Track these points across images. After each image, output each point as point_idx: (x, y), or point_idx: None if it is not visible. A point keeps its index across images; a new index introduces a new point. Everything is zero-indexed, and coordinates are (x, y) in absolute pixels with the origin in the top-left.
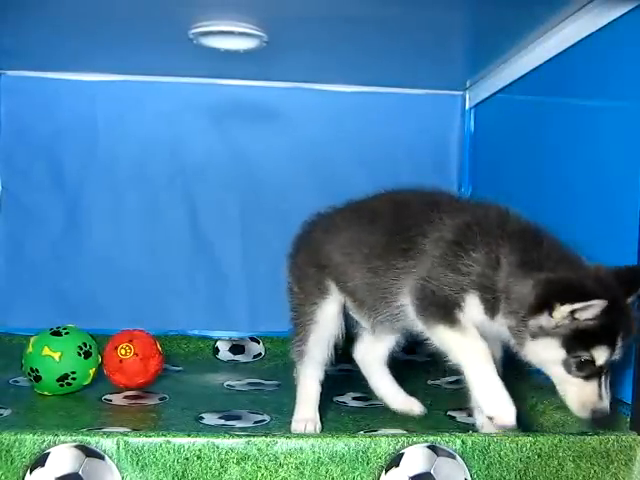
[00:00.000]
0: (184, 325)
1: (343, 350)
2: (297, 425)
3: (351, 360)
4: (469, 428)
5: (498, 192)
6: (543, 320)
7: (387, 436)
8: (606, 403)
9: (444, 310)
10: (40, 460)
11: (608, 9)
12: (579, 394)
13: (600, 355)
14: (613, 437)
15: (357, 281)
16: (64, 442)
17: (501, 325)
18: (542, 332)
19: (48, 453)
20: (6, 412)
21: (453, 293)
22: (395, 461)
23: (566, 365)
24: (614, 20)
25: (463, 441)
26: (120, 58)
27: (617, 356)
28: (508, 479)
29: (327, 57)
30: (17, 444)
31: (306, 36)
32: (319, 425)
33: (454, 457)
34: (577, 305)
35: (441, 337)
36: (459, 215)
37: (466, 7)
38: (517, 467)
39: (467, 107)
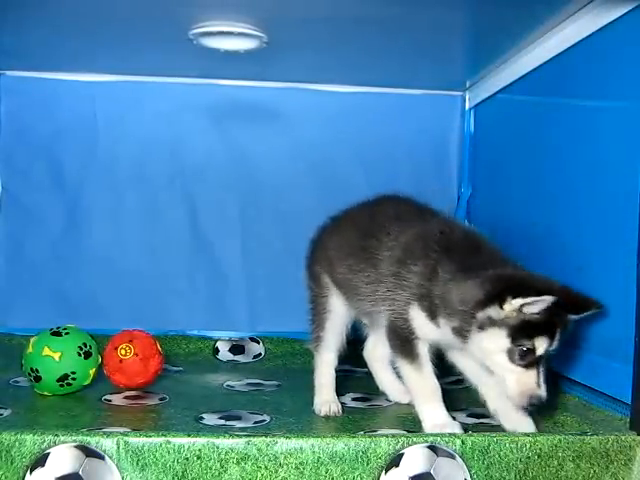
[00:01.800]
0: (184, 325)
1: (343, 352)
2: (321, 407)
3: (351, 360)
4: (469, 428)
5: (498, 192)
6: (492, 312)
7: (387, 436)
8: (543, 391)
9: (404, 344)
10: (40, 460)
11: (608, 9)
12: (519, 382)
13: (540, 345)
14: (613, 437)
15: (346, 283)
16: (64, 442)
17: (445, 328)
18: (489, 323)
19: (48, 453)
20: (6, 412)
21: (399, 309)
22: (395, 461)
23: (510, 354)
24: (614, 20)
25: (463, 441)
26: (120, 58)
27: (554, 347)
28: (508, 479)
29: (327, 57)
30: (17, 444)
31: (306, 36)
32: (340, 405)
33: (454, 457)
34: (528, 299)
35: (401, 369)
36: (407, 231)
37: (466, 7)
38: (517, 467)
39: (467, 107)
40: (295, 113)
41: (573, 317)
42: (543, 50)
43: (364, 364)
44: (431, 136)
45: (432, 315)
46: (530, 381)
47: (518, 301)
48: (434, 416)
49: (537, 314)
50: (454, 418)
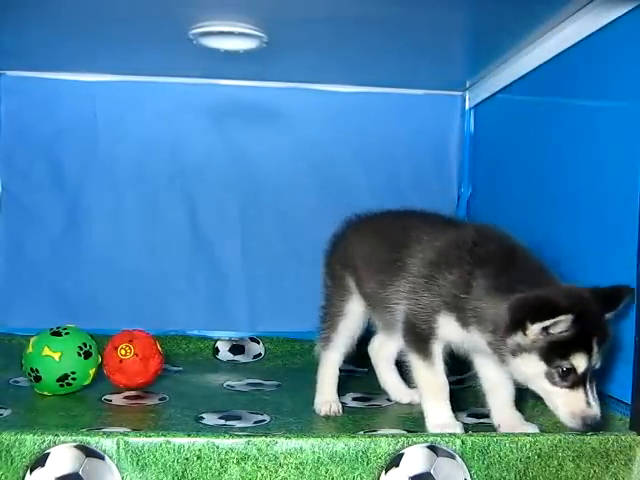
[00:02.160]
0: (184, 325)
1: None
2: (322, 407)
3: (351, 361)
4: (469, 428)
5: (498, 192)
6: (519, 338)
7: (387, 436)
8: (595, 409)
9: (420, 342)
10: (40, 460)
11: (608, 9)
12: (567, 404)
13: (580, 362)
14: (613, 437)
15: (376, 296)
16: (64, 442)
17: (479, 337)
18: (520, 349)
19: (48, 453)
20: (6, 412)
21: (427, 316)
22: (395, 461)
23: (549, 377)
24: (614, 20)
25: (463, 441)
26: (120, 58)
27: (596, 362)
28: (508, 479)
29: (327, 57)
30: (17, 444)
31: (306, 36)
32: (340, 406)
33: (454, 457)
34: (546, 322)
35: (412, 365)
36: (440, 237)
37: (466, 7)
38: (517, 467)
39: (467, 107)
40: (295, 113)
41: (610, 315)
42: (543, 50)
43: (364, 364)
44: (431, 136)
45: (464, 324)
46: (579, 401)
47: (538, 326)
48: (438, 415)
49: (566, 331)
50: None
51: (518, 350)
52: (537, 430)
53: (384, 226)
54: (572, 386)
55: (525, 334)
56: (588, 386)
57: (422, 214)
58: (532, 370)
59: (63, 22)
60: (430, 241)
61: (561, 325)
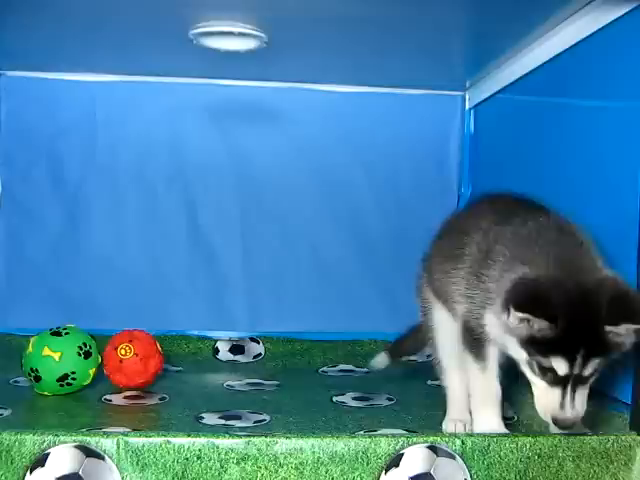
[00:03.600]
0: (184, 325)
1: (343, 352)
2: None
3: (351, 361)
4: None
5: None
6: (506, 320)
7: (387, 436)
8: (569, 414)
9: (475, 345)
10: (40, 460)
11: (608, 9)
12: (541, 398)
13: (559, 366)
14: (613, 437)
15: (440, 288)
16: (64, 442)
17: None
18: (509, 330)
19: (48, 453)
20: (6, 412)
21: (475, 309)
22: (395, 461)
23: (530, 366)
24: (614, 20)
25: (463, 441)
26: (120, 58)
27: (586, 372)
28: (508, 479)
29: (327, 57)
30: (17, 444)
31: (306, 36)
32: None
33: (454, 457)
34: (523, 315)
35: (467, 368)
36: (495, 229)
37: (466, 7)
38: (517, 467)
39: (467, 107)
40: (295, 113)
41: (612, 328)
42: (543, 50)
43: (364, 364)
44: (431, 136)
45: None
46: (553, 401)
47: (517, 314)
48: (485, 422)
49: (548, 330)
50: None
51: (507, 331)
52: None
53: (450, 227)
54: (552, 384)
55: (508, 317)
56: (569, 388)
57: (484, 206)
58: (516, 355)
59: (63, 22)
60: (485, 234)
61: (538, 324)
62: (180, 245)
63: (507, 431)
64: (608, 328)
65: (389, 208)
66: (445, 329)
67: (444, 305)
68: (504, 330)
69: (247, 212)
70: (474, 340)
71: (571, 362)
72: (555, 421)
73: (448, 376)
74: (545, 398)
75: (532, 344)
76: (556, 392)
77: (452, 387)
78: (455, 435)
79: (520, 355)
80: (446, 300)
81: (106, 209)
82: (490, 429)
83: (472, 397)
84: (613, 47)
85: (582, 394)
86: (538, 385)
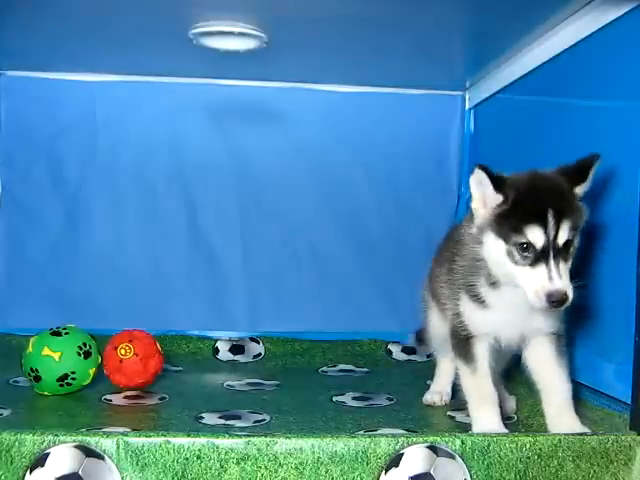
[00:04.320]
0: (184, 325)
1: (343, 351)
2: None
3: (351, 361)
4: (469, 428)
5: None
6: (476, 214)
7: (387, 436)
8: (558, 284)
9: (462, 345)
10: (40, 460)
11: (608, 9)
12: (530, 283)
13: (535, 236)
14: (613, 437)
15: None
16: (64, 442)
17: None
18: (482, 230)
19: (48, 453)
20: (6, 412)
21: (454, 305)
22: (395, 461)
23: (510, 256)
24: (614, 20)
25: (463, 441)
26: (120, 58)
27: (560, 238)
28: (508, 479)
29: (327, 57)
30: (17, 444)
31: (306, 36)
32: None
33: (454, 457)
34: (473, 188)
35: (459, 371)
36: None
37: (466, 7)
38: (517, 467)
39: (467, 107)
40: (295, 113)
41: (582, 187)
42: (543, 50)
43: (364, 364)
44: (431, 136)
45: (479, 298)
46: (541, 278)
47: (473, 191)
48: (483, 422)
49: (505, 204)
50: (454, 418)
51: (482, 231)
52: (579, 423)
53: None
54: (533, 263)
55: (474, 206)
56: (553, 262)
57: None
58: (495, 252)
59: (63, 22)
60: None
61: (483, 186)
62: (180, 245)
63: (506, 430)
64: (580, 189)
65: (389, 208)
66: (437, 327)
67: (437, 305)
68: (478, 231)
69: (247, 212)
70: (461, 341)
71: (545, 228)
72: (549, 297)
73: (439, 358)
74: (533, 279)
75: (504, 226)
76: (541, 268)
77: (440, 367)
78: (455, 435)
79: (498, 249)
80: (439, 300)
81: (106, 209)
82: (490, 429)
83: (468, 400)
84: (613, 47)
85: (565, 269)
86: (523, 272)
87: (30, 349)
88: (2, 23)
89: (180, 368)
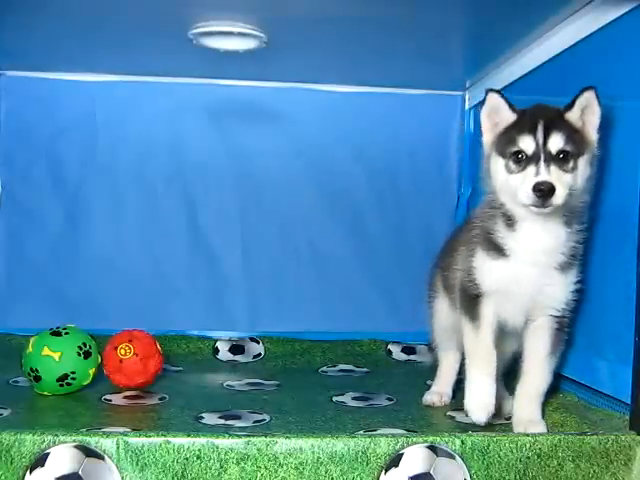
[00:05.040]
0: (184, 325)
1: (343, 351)
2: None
3: (351, 361)
4: (469, 428)
5: None
6: (484, 141)
7: (387, 436)
8: (544, 176)
9: (470, 304)
10: (40, 460)
11: (608, 9)
12: (522, 184)
13: (525, 143)
14: (612, 437)
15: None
16: (64, 442)
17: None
18: (489, 157)
19: (48, 453)
20: (6, 412)
21: (467, 264)
22: (395, 461)
23: (508, 168)
24: (614, 20)
25: (463, 441)
26: (120, 58)
27: (552, 146)
28: (508, 479)
29: (327, 57)
30: (17, 444)
31: (306, 36)
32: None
33: (453, 457)
34: (496, 97)
35: (463, 328)
36: None
37: (466, 7)
38: (517, 467)
39: (467, 107)
40: (295, 113)
41: (571, 116)
42: (543, 50)
43: (364, 364)
44: (431, 136)
45: (496, 247)
46: (529, 175)
47: (482, 116)
48: (475, 392)
49: (508, 124)
50: (454, 418)
51: (490, 155)
52: (543, 422)
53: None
54: (525, 167)
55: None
56: (543, 164)
57: None
58: (499, 170)
59: (63, 23)
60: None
61: (493, 108)
62: (180, 245)
63: (491, 410)
64: (569, 113)
65: (389, 208)
66: (443, 316)
67: (446, 293)
68: (487, 158)
69: (247, 212)
70: (469, 300)
71: (534, 135)
72: (535, 188)
73: (441, 356)
74: (523, 180)
75: (502, 142)
76: (530, 168)
77: (442, 364)
78: (455, 435)
79: (500, 166)
80: (448, 285)
81: (106, 209)
82: (478, 388)
83: (467, 357)
84: (613, 47)
85: (558, 174)
86: (515, 178)
87: (30, 349)
88: (2, 23)
89: (180, 368)
